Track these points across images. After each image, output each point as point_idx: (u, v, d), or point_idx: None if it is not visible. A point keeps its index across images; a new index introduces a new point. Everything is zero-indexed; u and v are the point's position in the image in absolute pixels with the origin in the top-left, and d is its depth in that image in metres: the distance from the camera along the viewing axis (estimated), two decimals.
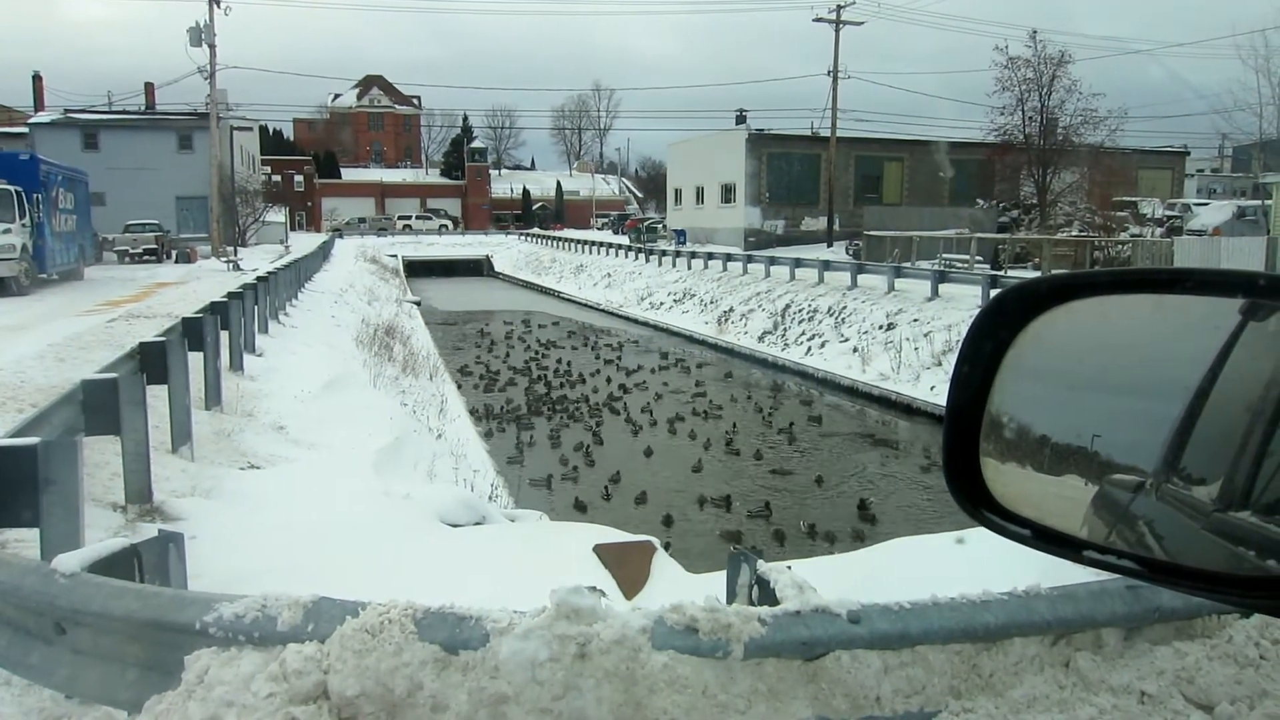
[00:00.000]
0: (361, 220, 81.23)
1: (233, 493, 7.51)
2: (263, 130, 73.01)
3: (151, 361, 8.05)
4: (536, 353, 26.25)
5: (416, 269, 58.78)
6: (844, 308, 24.93)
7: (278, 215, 55.51)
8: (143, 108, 55.14)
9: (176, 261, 37.25)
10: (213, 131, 41.61)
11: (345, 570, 5.39)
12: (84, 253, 30.60)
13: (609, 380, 21.63)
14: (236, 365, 13.29)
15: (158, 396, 8.30)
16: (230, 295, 14.35)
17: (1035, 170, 37.70)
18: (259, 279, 18.68)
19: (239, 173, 51.37)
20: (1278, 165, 38.16)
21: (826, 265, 29.03)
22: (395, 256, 59.69)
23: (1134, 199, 40.76)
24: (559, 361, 24.43)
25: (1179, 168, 53.22)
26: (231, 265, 32.92)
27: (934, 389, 18.20)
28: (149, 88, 55.92)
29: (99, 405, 6.36)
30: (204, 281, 25.91)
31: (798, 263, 30.49)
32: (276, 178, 72.45)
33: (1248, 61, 61.22)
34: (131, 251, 38.13)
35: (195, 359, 10.04)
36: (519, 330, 31.75)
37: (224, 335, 12.40)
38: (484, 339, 29.76)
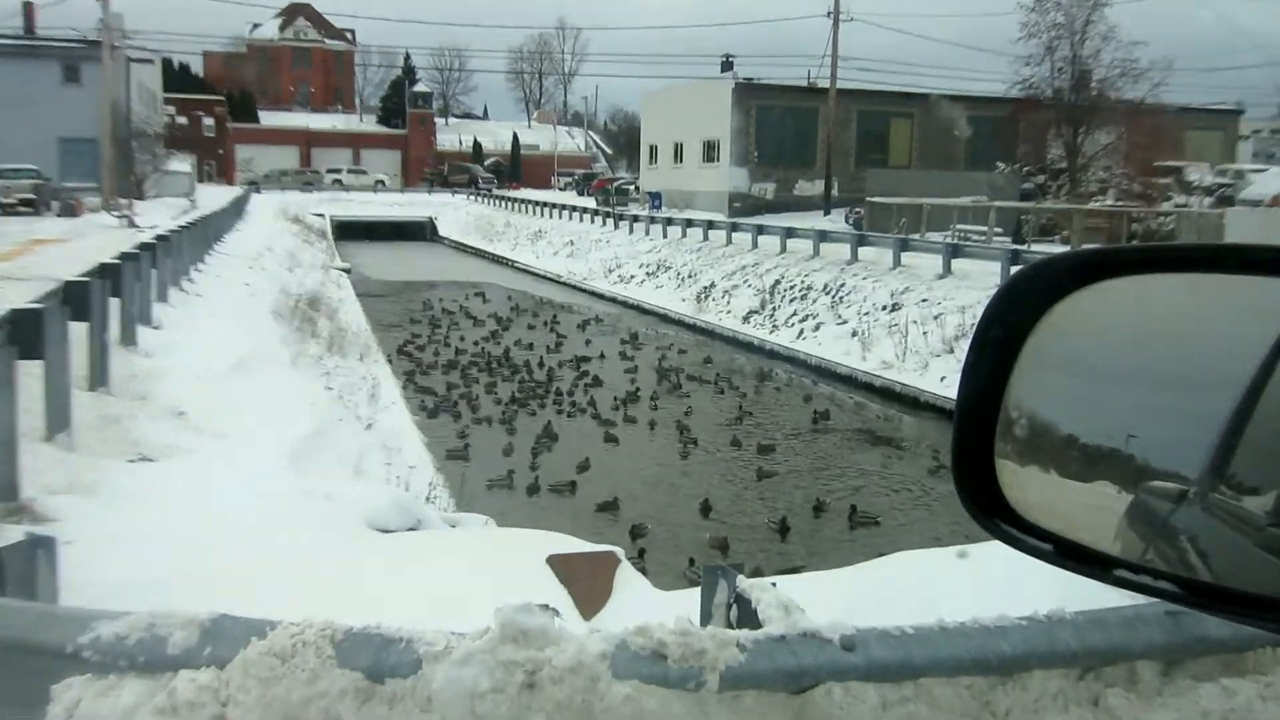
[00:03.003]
0: (283, 173, 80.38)
1: (120, 489, 7.40)
2: (166, 64, 71.88)
3: (23, 333, 7.87)
4: (488, 332, 26.16)
5: (347, 231, 58.17)
6: (842, 285, 25.04)
7: (183, 164, 54.79)
8: (21, 32, 54.04)
9: (59, 215, 36.61)
10: (105, 63, 40.88)
11: (252, 583, 5.33)
12: None
13: (575, 364, 21.62)
14: (129, 339, 13.09)
15: (31, 374, 8.15)
16: (123, 256, 14.12)
17: (1064, 130, 38.04)
18: (159, 238, 18.44)
19: (136, 113, 50.55)
20: None
21: (823, 236, 29.15)
22: (322, 216, 59.08)
23: (1179, 164, 41.29)
24: (516, 342, 24.36)
25: (1232, 128, 53.90)
26: (126, 221, 32.42)
27: (944, 380, 18.37)
28: (28, 9, 54.79)
29: None
30: (92, 239, 25.51)
31: (790, 232, 30.59)
32: (182, 120, 71.49)
33: None
34: (3, 201, 37.44)
35: (79, 331, 9.87)
36: (466, 304, 31.63)
37: (115, 303, 12.21)
38: (424, 314, 29.59)
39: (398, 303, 33.84)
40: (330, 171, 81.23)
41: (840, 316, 23.65)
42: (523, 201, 59.04)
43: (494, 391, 18.88)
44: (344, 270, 37.02)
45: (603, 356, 22.52)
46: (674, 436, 16.08)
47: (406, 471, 11.22)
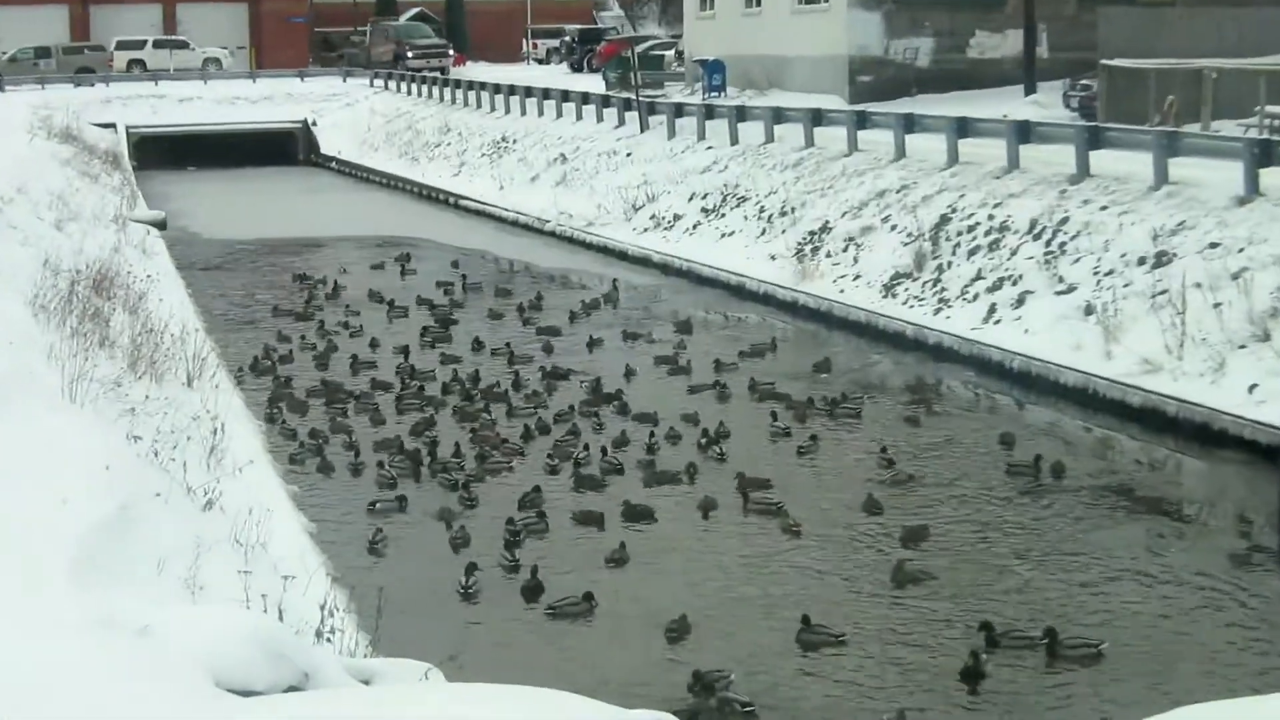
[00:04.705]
0: (43, 54, 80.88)
1: None
2: None
3: None
4: (418, 328, 26.22)
5: (158, 153, 58.54)
6: (1064, 221, 24.83)
7: None
8: None
9: None
10: None
11: None
12: None
13: (588, 385, 21.69)
14: None
15: None
16: None
17: None
18: None
19: None
20: None
21: (1024, 133, 28.91)
22: (113, 128, 59.26)
23: None
24: (474, 345, 24.44)
25: None
26: None
27: (1255, 390, 18.22)
28: None
29: None
30: None
31: (964, 128, 30.44)
32: None
33: None
34: None
35: None
36: (373, 280, 31.75)
37: None
38: (299, 298, 29.78)
39: (250, 279, 33.86)
40: (125, 48, 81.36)
41: (1061, 279, 23.44)
42: (471, 86, 59.09)
43: (428, 434, 18.93)
44: (154, 224, 37.04)
45: (630, 374, 22.40)
46: (757, 509, 16.08)
47: (279, 584, 11.22)
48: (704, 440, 18.55)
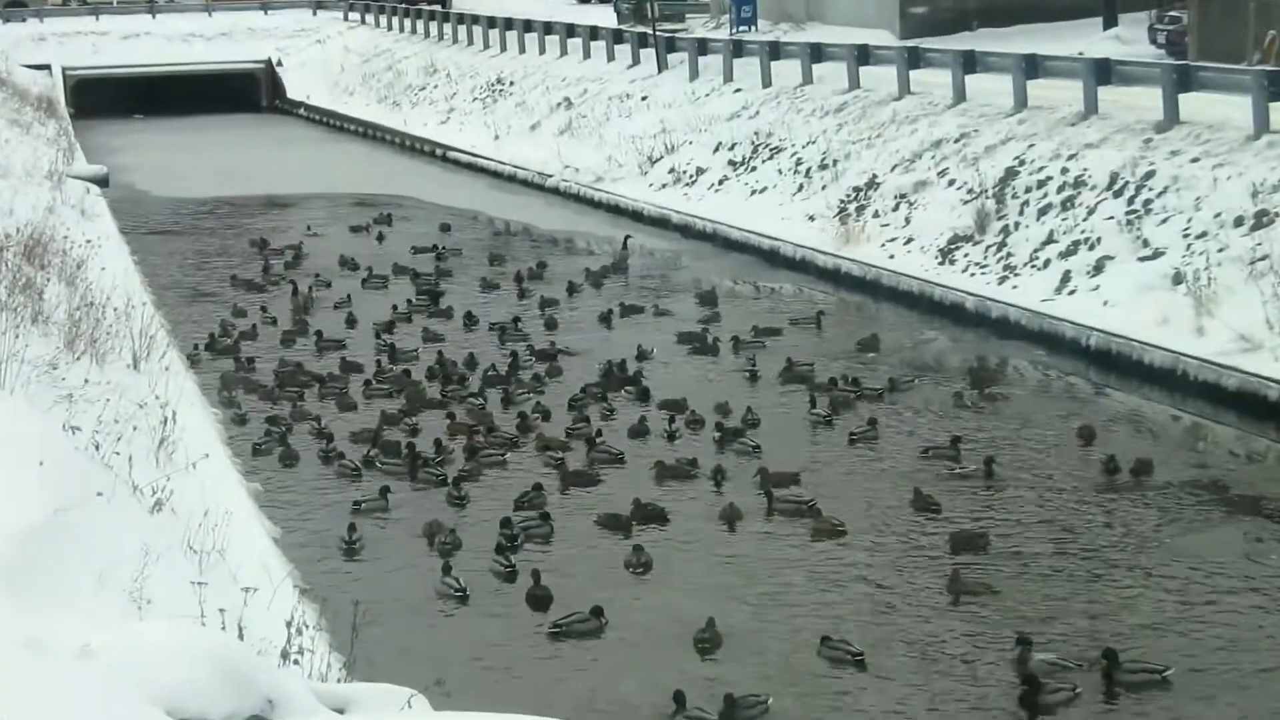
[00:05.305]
0: None
1: None
2: None
3: None
4: (396, 303, 26.25)
5: (99, 98, 58.57)
6: (1149, 175, 24.71)
7: None
8: None
9: None
10: None
11: None
12: None
13: (582, 361, 21.70)
14: None
15: None
16: None
17: None
18: None
19: None
20: None
21: (1103, 73, 28.79)
22: (47, 69, 59.29)
23: None
24: (465, 321, 24.52)
25: None
26: None
27: None
28: None
29: None
30: None
31: (1032, 68, 30.31)
32: None
33: None
34: None
35: None
36: (346, 245, 31.87)
37: None
38: (257, 267, 29.87)
39: (206, 244, 33.90)
40: None
41: (1146, 243, 23.33)
42: (462, 19, 58.88)
43: (407, 423, 19.01)
44: (95, 181, 37.00)
45: (644, 355, 22.34)
46: (784, 509, 16.11)
47: (240, 598, 11.24)
48: (718, 435, 18.53)
